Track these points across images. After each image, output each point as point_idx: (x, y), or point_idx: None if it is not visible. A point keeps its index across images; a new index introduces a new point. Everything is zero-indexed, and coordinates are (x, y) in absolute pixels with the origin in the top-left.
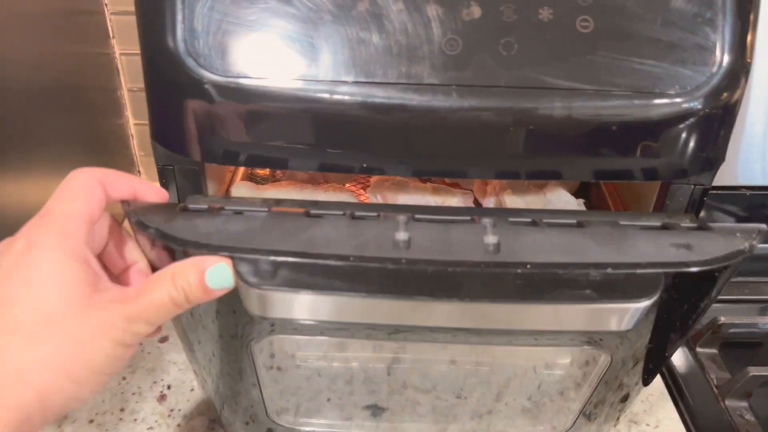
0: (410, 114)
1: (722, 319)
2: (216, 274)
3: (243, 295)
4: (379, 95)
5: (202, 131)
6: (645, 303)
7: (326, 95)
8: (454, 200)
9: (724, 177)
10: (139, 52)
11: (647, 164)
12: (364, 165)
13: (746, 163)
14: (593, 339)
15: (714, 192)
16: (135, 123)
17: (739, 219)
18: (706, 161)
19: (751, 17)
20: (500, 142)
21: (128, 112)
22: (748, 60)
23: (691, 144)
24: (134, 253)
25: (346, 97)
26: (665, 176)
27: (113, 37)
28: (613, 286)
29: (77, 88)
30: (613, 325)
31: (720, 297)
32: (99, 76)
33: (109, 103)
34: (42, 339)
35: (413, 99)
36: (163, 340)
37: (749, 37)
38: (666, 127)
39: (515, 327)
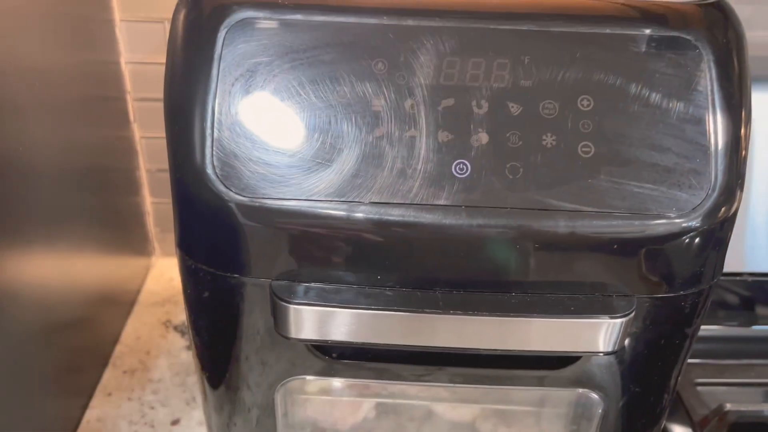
0: (423, 232)
1: (728, 407)
2: None
3: (278, 315)
4: (394, 214)
5: (222, 245)
6: (622, 319)
7: (345, 214)
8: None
9: (730, 263)
10: (157, 135)
11: (647, 280)
12: (378, 278)
13: (752, 249)
14: (583, 377)
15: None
16: (152, 201)
17: (745, 302)
18: (706, 274)
19: (743, 135)
20: (507, 258)
21: (145, 191)
22: (742, 174)
23: (692, 259)
24: None
25: (363, 216)
26: (666, 291)
27: (134, 121)
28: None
29: (99, 169)
30: (598, 342)
31: (725, 381)
32: (119, 158)
33: (127, 182)
34: None
35: (426, 218)
36: (175, 423)
37: (741, 156)
38: (665, 246)
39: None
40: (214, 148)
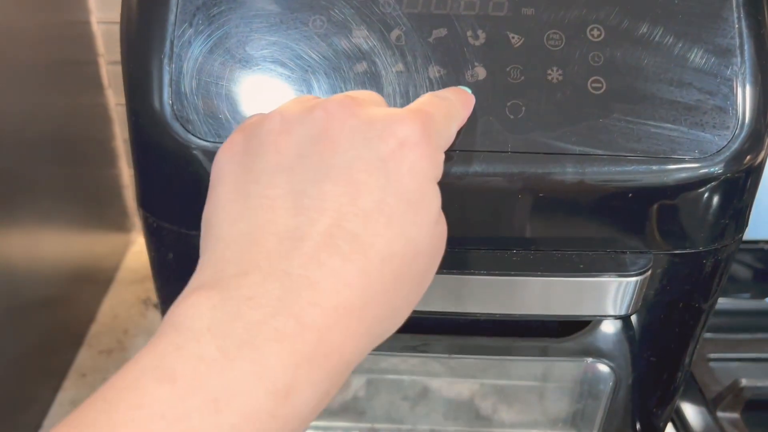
0: None
1: (744, 382)
2: None
3: None
4: None
5: (188, 199)
6: (637, 278)
7: None
8: None
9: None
10: None
11: (665, 233)
12: None
13: (761, 216)
14: (593, 346)
15: None
16: (130, 173)
17: (756, 272)
18: (729, 228)
19: None
20: (508, 210)
21: (122, 162)
22: None
23: (715, 211)
24: None
25: None
26: (686, 246)
27: (108, 86)
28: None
29: (70, 138)
30: (610, 304)
31: (740, 356)
32: (93, 126)
33: (102, 153)
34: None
35: None
36: None
37: None
38: (686, 194)
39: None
40: (172, 87)
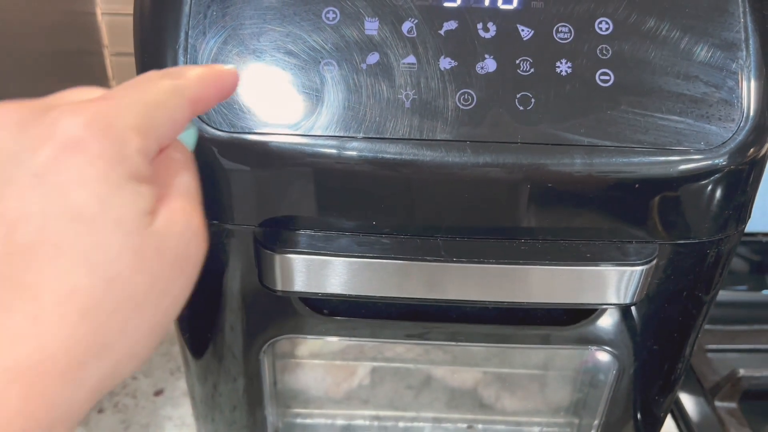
0: (422, 171)
1: (741, 372)
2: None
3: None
4: (390, 151)
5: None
6: (643, 267)
7: (334, 151)
8: None
9: None
10: None
11: (670, 223)
12: (374, 223)
13: (759, 208)
14: (598, 334)
15: None
16: None
17: (754, 265)
18: (732, 219)
19: None
20: (516, 200)
21: None
22: None
23: (720, 201)
24: None
25: (356, 154)
26: (690, 236)
27: (113, 78)
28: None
29: None
30: (613, 293)
31: (736, 347)
32: None
33: None
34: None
35: (426, 155)
36: (159, 393)
37: None
38: (692, 185)
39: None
40: None
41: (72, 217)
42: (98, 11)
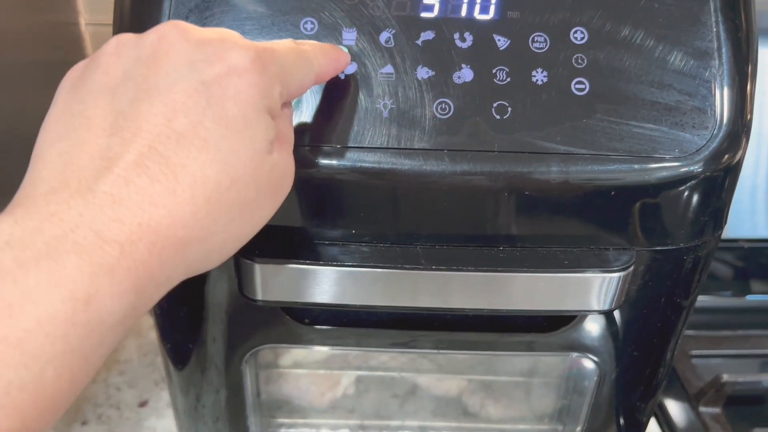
0: (401, 180)
1: (725, 377)
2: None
3: (243, 274)
4: (369, 160)
5: None
6: (620, 273)
7: (313, 160)
8: None
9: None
10: None
11: (647, 230)
12: (354, 232)
13: (738, 215)
14: (578, 341)
15: None
16: None
17: (737, 270)
18: (709, 225)
19: (749, 72)
20: (494, 207)
21: None
22: (748, 118)
23: (695, 208)
24: None
25: (334, 163)
26: (667, 243)
27: None
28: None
29: None
30: (594, 299)
31: (720, 352)
32: None
33: None
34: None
35: (404, 164)
36: (143, 404)
37: (748, 96)
38: (667, 192)
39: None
40: None
41: (222, 123)
42: (82, 21)
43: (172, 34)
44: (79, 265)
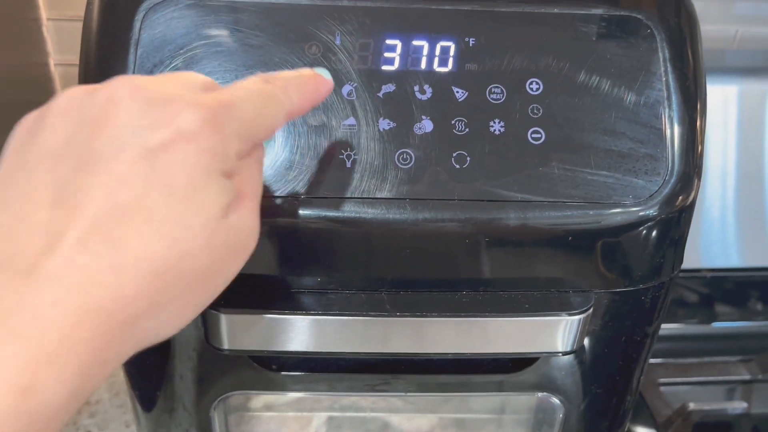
0: (364, 228)
1: (692, 406)
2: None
3: (209, 324)
4: (332, 209)
5: None
6: (579, 316)
7: (276, 210)
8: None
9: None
10: None
11: (605, 273)
12: (318, 280)
13: (707, 245)
14: (542, 380)
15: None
16: None
17: (703, 298)
18: (666, 266)
19: (698, 118)
20: (456, 254)
21: None
22: (699, 159)
23: (651, 250)
24: None
25: (298, 212)
26: (625, 284)
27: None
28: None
29: None
30: (555, 341)
31: (688, 380)
32: None
33: None
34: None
35: (367, 213)
36: None
37: (699, 141)
38: (622, 236)
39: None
40: None
41: (168, 194)
42: (51, 62)
43: (121, 94)
44: (16, 355)
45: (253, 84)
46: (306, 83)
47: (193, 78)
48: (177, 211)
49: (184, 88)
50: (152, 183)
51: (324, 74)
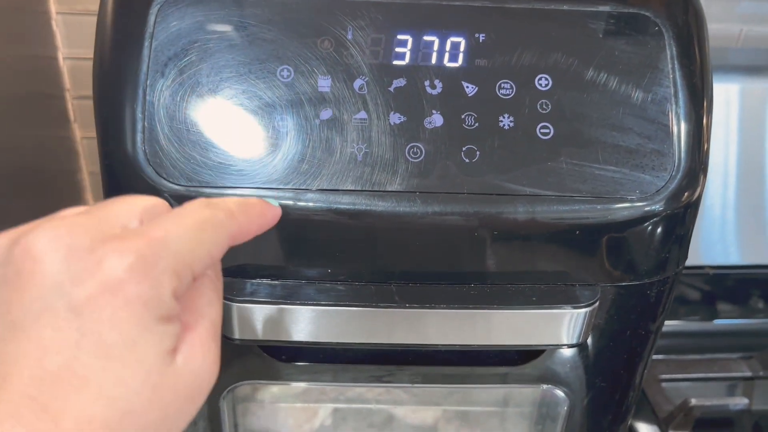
0: (375, 221)
1: (693, 402)
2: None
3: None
4: (344, 202)
5: None
6: (586, 309)
7: (291, 203)
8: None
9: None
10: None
11: (611, 267)
12: (329, 271)
13: (708, 243)
14: (547, 373)
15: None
16: None
17: (705, 295)
18: (671, 261)
19: (705, 115)
20: (465, 247)
21: (88, 195)
22: (705, 156)
23: (656, 245)
24: None
25: (310, 205)
26: (630, 278)
27: (74, 120)
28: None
29: (36, 171)
30: (560, 334)
31: (689, 376)
32: (59, 160)
33: (68, 186)
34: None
35: (377, 206)
36: None
37: (705, 137)
38: (628, 231)
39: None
40: (145, 133)
41: (101, 355)
42: (60, 56)
43: (39, 246)
44: None
45: (190, 211)
46: (252, 207)
47: (132, 206)
48: (112, 371)
49: (115, 224)
50: (81, 345)
51: (271, 202)
